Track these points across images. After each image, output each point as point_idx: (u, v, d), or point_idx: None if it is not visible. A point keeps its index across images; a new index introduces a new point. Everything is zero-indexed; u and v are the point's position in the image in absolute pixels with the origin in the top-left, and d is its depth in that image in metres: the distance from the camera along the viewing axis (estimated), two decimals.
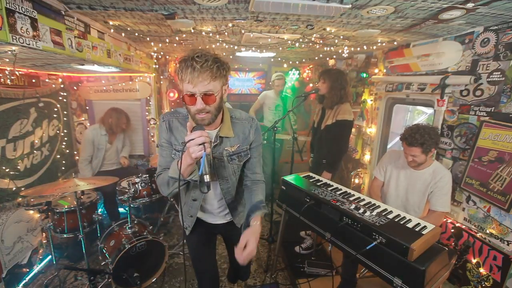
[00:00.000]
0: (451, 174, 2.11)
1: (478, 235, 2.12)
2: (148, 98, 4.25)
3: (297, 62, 5.04)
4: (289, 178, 2.22)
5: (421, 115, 4.08)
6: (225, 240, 1.91)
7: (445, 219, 2.37)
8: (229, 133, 1.41)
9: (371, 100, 3.67)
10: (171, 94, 4.79)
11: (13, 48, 1.54)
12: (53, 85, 3.27)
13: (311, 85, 5.48)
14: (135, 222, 2.67)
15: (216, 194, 1.56)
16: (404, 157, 2.15)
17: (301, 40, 2.86)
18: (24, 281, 2.55)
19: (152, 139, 4.40)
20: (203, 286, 1.73)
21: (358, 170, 3.91)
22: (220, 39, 2.89)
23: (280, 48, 3.40)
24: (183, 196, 1.56)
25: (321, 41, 2.91)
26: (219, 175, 1.48)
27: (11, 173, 2.53)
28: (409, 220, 1.57)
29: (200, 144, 1.12)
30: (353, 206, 1.72)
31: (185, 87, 1.20)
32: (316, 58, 4.34)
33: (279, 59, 4.66)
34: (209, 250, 1.74)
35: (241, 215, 1.69)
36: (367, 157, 3.78)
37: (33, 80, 2.88)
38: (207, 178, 1.15)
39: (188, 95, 1.21)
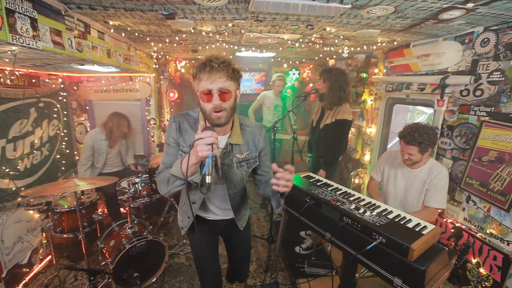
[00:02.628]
0: (447, 171, 2.10)
1: (478, 235, 2.12)
2: (148, 98, 4.25)
3: (297, 62, 5.04)
4: None
5: (421, 115, 4.08)
6: (225, 240, 1.89)
7: (445, 219, 2.37)
8: (239, 140, 1.45)
9: (371, 100, 3.67)
10: (171, 94, 4.79)
11: (13, 48, 1.54)
12: (53, 85, 3.27)
13: (311, 85, 5.49)
14: (135, 222, 2.67)
15: (221, 198, 1.58)
16: (401, 157, 2.16)
17: (301, 40, 2.86)
18: (24, 281, 2.55)
19: (152, 139, 4.40)
20: (206, 285, 1.73)
21: (358, 170, 3.91)
22: (220, 39, 2.89)
23: (280, 48, 3.40)
24: (183, 196, 1.58)
25: (321, 41, 2.91)
26: (227, 181, 1.50)
27: (11, 173, 2.52)
28: (409, 220, 1.57)
29: (208, 144, 1.11)
30: (353, 206, 1.72)
31: (202, 85, 1.26)
32: (316, 58, 4.34)
33: (279, 59, 4.66)
34: (211, 250, 1.74)
35: (244, 218, 1.72)
36: (367, 157, 3.78)
37: (33, 80, 2.88)
38: (208, 179, 1.14)
39: (204, 93, 1.25)
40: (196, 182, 1.27)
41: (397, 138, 3.65)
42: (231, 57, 4.20)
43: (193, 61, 5.15)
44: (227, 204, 1.60)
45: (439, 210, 2.12)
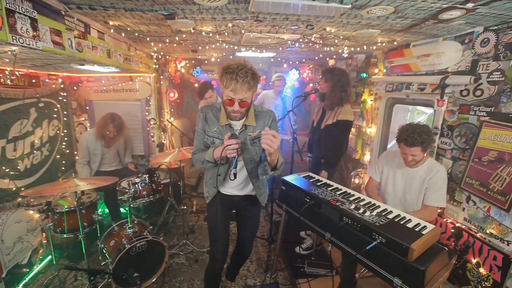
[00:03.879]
0: (445, 170, 2.11)
1: (478, 235, 2.12)
2: (148, 98, 4.25)
3: (297, 62, 5.04)
4: (289, 178, 2.22)
5: (421, 115, 4.07)
6: (238, 215, 2.12)
7: (445, 219, 2.37)
8: (252, 123, 1.76)
9: (371, 100, 3.67)
10: (171, 94, 4.79)
11: (13, 48, 1.54)
12: (53, 85, 3.27)
13: (311, 85, 5.49)
14: (135, 222, 2.67)
15: (240, 173, 1.85)
16: (400, 157, 2.17)
17: (301, 40, 2.86)
18: (24, 281, 2.54)
19: (152, 139, 4.40)
20: (215, 249, 2.01)
21: (358, 170, 3.91)
22: (220, 39, 2.89)
23: (280, 48, 3.40)
24: (209, 171, 1.93)
25: (321, 41, 2.91)
26: (244, 157, 1.80)
27: (11, 173, 2.53)
28: (409, 220, 1.57)
29: (234, 149, 1.55)
30: (353, 206, 1.72)
31: (227, 93, 1.57)
32: (316, 58, 4.34)
33: (279, 59, 4.66)
34: (224, 221, 2.01)
35: (264, 195, 1.99)
36: (367, 157, 3.78)
37: (33, 80, 2.88)
38: (235, 170, 1.60)
39: (228, 99, 1.59)
40: (223, 163, 1.74)
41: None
42: (224, 54, 4.20)
43: (193, 61, 5.15)
44: (245, 179, 1.89)
45: (439, 209, 2.13)
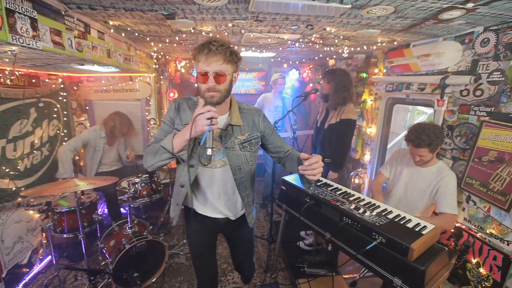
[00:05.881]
0: (455, 175, 2.09)
1: (478, 235, 2.12)
2: (148, 98, 4.25)
3: (297, 62, 5.04)
4: (289, 178, 2.22)
5: (421, 115, 4.07)
6: (228, 239, 1.87)
7: None
8: (238, 122, 1.46)
9: (371, 100, 3.67)
10: (171, 94, 4.78)
11: (13, 48, 1.54)
12: (53, 85, 3.27)
13: (311, 85, 5.48)
14: (135, 222, 2.67)
15: (219, 180, 1.51)
16: (410, 156, 2.18)
17: (301, 40, 2.86)
18: (24, 281, 2.55)
19: None
20: (203, 282, 1.77)
21: (358, 170, 3.91)
22: None
23: (280, 48, 3.40)
24: (176, 184, 1.55)
25: (321, 41, 2.91)
26: (231, 165, 1.48)
27: (11, 173, 2.53)
28: (409, 220, 1.57)
29: (208, 119, 1.17)
30: (353, 206, 1.72)
31: (200, 67, 1.29)
32: (316, 58, 4.34)
33: (279, 59, 4.66)
34: (209, 250, 1.74)
35: (252, 214, 1.68)
36: (367, 157, 3.78)
37: (33, 80, 2.88)
38: (209, 151, 1.19)
39: (201, 74, 1.28)
40: (183, 158, 1.32)
41: (397, 138, 3.65)
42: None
43: (193, 61, 5.14)
44: (226, 190, 1.54)
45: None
